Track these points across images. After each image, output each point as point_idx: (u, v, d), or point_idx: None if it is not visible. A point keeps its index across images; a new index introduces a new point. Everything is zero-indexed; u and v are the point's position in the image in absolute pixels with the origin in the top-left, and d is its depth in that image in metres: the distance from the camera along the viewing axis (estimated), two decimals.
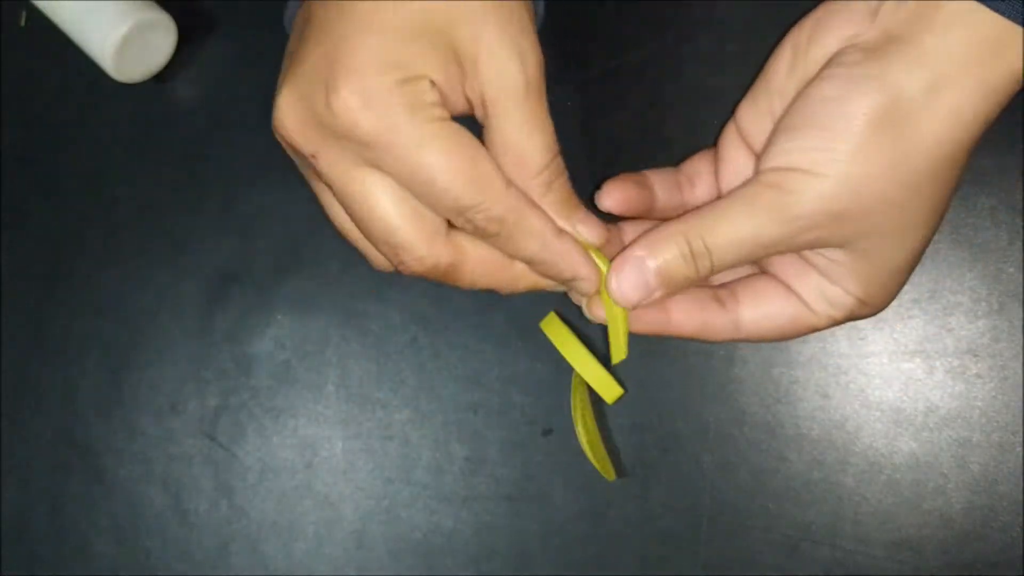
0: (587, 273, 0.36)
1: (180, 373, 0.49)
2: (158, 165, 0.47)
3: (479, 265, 0.34)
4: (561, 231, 0.35)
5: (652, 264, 0.35)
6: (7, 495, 0.50)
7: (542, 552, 0.46)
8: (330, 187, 0.32)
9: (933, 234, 0.36)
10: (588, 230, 0.36)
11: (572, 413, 0.45)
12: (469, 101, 0.33)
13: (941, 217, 0.35)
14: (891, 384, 0.45)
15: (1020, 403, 0.44)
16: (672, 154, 0.45)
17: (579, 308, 0.45)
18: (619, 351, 0.38)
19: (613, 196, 0.39)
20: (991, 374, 0.44)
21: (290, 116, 0.31)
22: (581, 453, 0.45)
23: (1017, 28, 0.32)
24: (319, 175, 0.32)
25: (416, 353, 0.48)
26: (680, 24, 0.46)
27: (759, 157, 0.36)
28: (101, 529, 0.49)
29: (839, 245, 0.35)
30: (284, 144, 0.33)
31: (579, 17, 0.46)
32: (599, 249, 0.36)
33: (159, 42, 0.48)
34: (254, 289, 0.49)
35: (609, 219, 0.39)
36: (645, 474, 0.46)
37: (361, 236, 0.35)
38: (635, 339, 0.46)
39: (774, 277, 0.38)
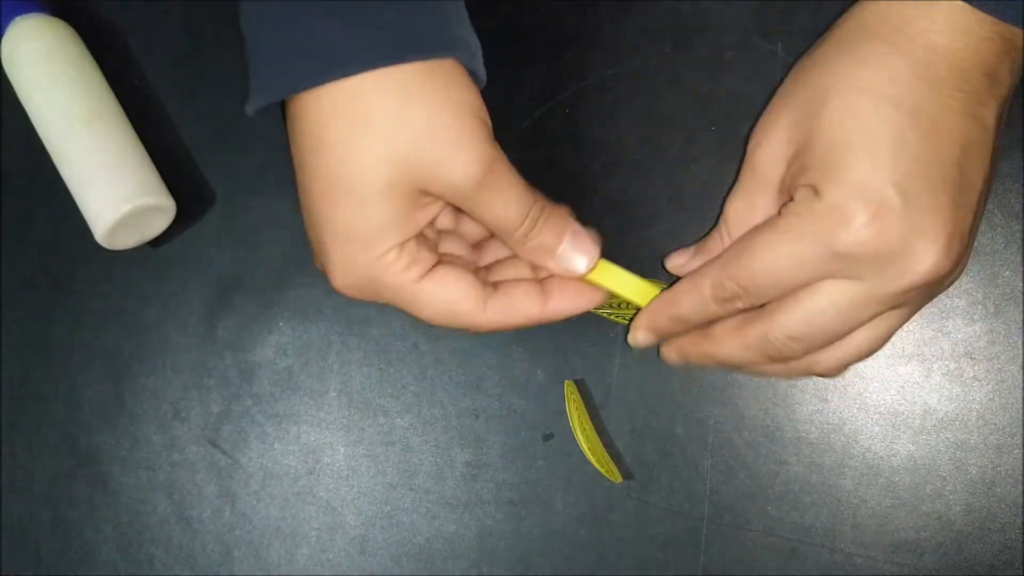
0: (574, 309, 0.40)
1: (183, 381, 0.49)
2: (160, 174, 0.48)
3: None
4: (544, 301, 0.39)
5: None
6: (11, 502, 0.50)
7: (543, 556, 0.47)
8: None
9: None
10: (576, 258, 0.39)
11: (570, 423, 0.45)
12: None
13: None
14: (889, 387, 0.45)
15: (1018, 405, 0.44)
16: (669, 161, 0.46)
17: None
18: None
19: None
20: (988, 377, 0.44)
21: (337, 278, 0.38)
22: (581, 457, 0.45)
23: None
24: None
25: (417, 359, 0.48)
26: (677, 32, 0.46)
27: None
28: (105, 536, 0.49)
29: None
30: None
31: (576, 26, 0.47)
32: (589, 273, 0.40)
33: (156, 218, 0.48)
34: (256, 297, 0.49)
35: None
36: (645, 478, 0.46)
37: None
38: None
39: None
